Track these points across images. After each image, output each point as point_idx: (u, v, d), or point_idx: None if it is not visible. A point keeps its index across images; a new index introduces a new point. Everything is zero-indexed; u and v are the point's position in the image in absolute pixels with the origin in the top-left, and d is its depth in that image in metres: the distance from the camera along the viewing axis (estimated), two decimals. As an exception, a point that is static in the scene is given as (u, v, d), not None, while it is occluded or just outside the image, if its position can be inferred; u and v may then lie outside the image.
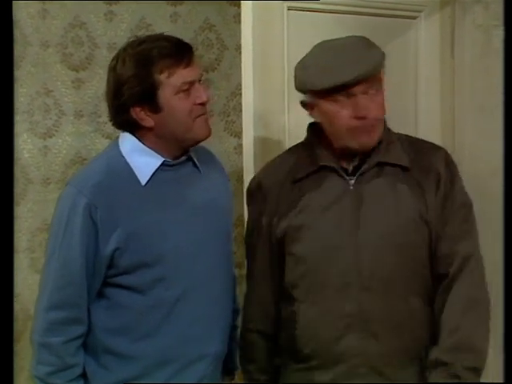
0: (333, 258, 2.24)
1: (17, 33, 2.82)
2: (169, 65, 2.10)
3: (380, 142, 2.27)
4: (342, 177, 2.27)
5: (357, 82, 2.16)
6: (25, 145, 2.80)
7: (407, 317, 2.23)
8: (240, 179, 2.70)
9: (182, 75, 2.11)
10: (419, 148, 2.32)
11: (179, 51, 2.12)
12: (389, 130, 2.32)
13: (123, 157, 2.16)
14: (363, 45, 2.23)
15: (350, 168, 2.28)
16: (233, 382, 2.44)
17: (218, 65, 3.14)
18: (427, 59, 3.01)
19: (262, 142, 2.59)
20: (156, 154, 2.16)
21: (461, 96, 3.05)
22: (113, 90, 2.15)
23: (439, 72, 3.04)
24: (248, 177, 2.57)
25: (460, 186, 2.29)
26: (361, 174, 2.27)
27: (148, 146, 2.16)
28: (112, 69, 2.17)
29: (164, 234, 2.14)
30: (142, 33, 2.99)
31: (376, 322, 2.22)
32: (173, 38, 2.17)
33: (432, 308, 2.24)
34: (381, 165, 2.27)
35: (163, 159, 2.16)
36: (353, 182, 2.26)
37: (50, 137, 2.84)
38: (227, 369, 2.40)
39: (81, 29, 2.89)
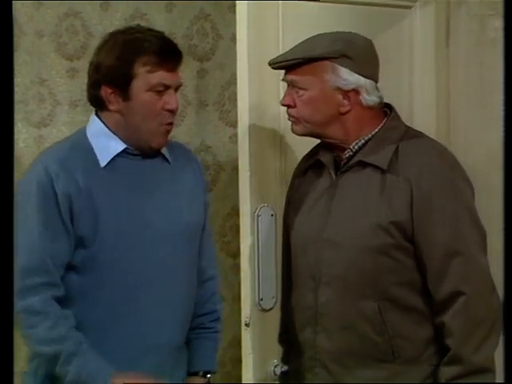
0: (304, 252, 2.30)
1: (11, 22, 2.81)
2: (153, 62, 2.14)
3: (370, 139, 2.26)
4: (330, 173, 2.30)
5: (282, 68, 2.28)
6: (19, 134, 2.80)
7: (358, 320, 2.21)
8: (235, 169, 2.69)
9: (161, 76, 2.15)
10: (410, 150, 2.24)
11: (169, 54, 2.17)
12: (393, 127, 2.28)
13: (88, 139, 2.21)
14: (324, 37, 2.27)
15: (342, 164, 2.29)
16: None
17: (213, 54, 3.14)
18: (422, 48, 3.00)
19: (257, 132, 2.59)
20: (119, 140, 2.20)
21: (456, 85, 3.05)
22: (94, 65, 2.20)
23: (434, 61, 3.04)
24: (243, 166, 2.57)
25: (445, 196, 2.18)
26: (343, 172, 2.27)
27: (112, 131, 2.20)
28: (100, 47, 2.21)
29: (116, 217, 2.17)
30: (137, 22, 2.99)
31: (329, 318, 2.25)
32: (169, 40, 2.21)
33: (399, 313, 2.21)
34: (363, 164, 2.25)
35: (125, 146, 2.20)
36: (335, 178, 2.28)
37: (45, 126, 2.84)
38: (204, 371, 2.42)
39: (75, 18, 2.89)
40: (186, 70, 3.21)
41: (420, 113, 3.00)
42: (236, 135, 2.88)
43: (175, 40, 3.08)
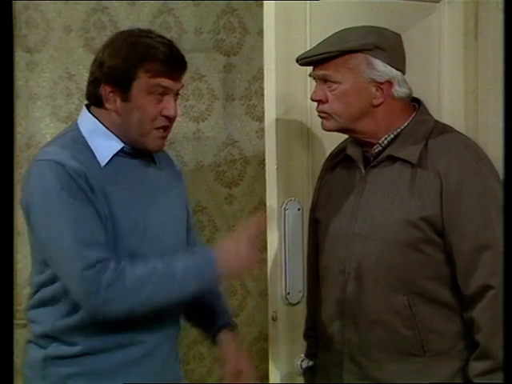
0: (334, 246, 2.31)
1: (39, 17, 2.84)
2: (156, 70, 2.14)
3: (399, 134, 2.26)
4: (360, 168, 2.30)
5: (312, 64, 2.25)
6: (47, 129, 2.82)
7: (388, 313, 2.22)
8: (261, 163, 2.70)
9: (161, 81, 2.15)
10: (440, 144, 2.24)
11: (173, 64, 2.16)
12: (422, 121, 2.28)
13: (84, 137, 2.19)
14: (354, 30, 2.26)
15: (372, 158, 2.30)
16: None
17: (240, 49, 3.14)
18: (451, 42, 2.99)
19: (284, 126, 2.59)
20: (116, 138, 2.19)
21: (484, 79, 3.03)
22: (98, 62, 2.19)
23: (463, 55, 3.02)
24: (270, 161, 2.57)
25: (473, 189, 2.18)
26: (373, 166, 2.28)
27: (108, 129, 2.19)
28: (107, 45, 2.20)
29: (127, 214, 2.16)
30: (164, 17, 3.00)
31: (358, 312, 2.25)
32: (176, 49, 2.19)
33: (429, 307, 2.21)
34: (393, 158, 2.25)
35: (123, 145, 2.20)
36: (364, 173, 2.29)
37: (73, 121, 2.84)
38: (227, 326, 2.40)
39: (103, 13, 2.90)
40: (213, 65, 3.22)
41: (449, 105, 2.99)
42: (262, 129, 2.89)
43: (202, 35, 3.12)
